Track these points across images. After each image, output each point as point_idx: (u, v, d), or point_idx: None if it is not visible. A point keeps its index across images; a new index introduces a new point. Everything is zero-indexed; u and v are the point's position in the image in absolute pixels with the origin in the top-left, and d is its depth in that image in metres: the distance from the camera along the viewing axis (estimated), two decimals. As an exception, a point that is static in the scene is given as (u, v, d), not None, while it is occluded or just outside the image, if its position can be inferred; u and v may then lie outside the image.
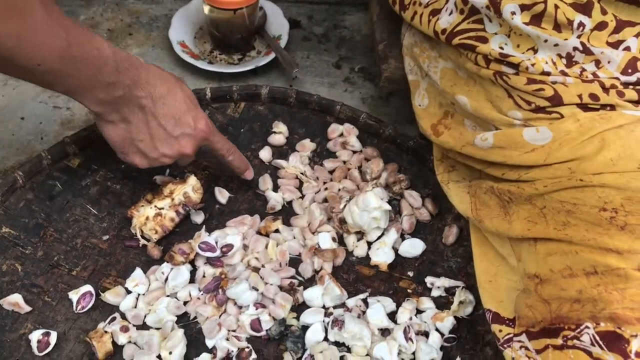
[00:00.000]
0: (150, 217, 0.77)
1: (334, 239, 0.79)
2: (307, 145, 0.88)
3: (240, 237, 0.77)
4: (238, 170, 0.79)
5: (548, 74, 0.61)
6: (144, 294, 0.74)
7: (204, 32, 1.04)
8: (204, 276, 0.75)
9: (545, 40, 0.61)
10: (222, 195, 0.83)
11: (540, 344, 0.59)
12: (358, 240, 0.80)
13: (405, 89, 0.81)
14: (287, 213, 0.82)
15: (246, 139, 0.88)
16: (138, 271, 0.75)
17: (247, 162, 0.80)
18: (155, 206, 0.78)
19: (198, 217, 0.81)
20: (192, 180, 0.80)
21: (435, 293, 0.75)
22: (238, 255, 0.76)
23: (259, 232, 0.79)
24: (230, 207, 0.83)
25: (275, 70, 1.01)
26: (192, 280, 0.75)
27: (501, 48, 0.63)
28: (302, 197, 0.84)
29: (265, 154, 0.87)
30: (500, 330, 0.63)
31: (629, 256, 0.55)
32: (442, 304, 0.74)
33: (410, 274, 0.77)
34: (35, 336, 0.69)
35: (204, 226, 0.78)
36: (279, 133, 0.88)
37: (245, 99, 0.90)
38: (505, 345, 0.62)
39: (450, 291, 0.75)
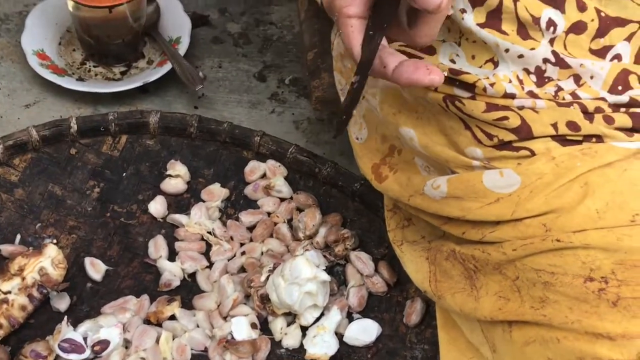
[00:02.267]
0: (-9, 305, 0.77)
1: (254, 326, 0.79)
2: (216, 193, 0.88)
3: (120, 329, 0.77)
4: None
5: (512, 96, 0.63)
6: (-19, 419, 0.73)
7: (72, 36, 1.04)
8: (67, 388, 0.75)
9: (507, 50, 0.63)
10: (95, 268, 0.83)
11: None
12: (288, 325, 0.81)
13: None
14: (188, 290, 0.83)
15: (130, 186, 0.89)
16: (-27, 385, 0.74)
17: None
18: (-1, 290, 0.78)
19: (61, 303, 0.80)
20: (52, 250, 0.80)
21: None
22: (116, 355, 0.76)
23: (147, 321, 0.80)
24: (107, 284, 0.83)
25: (173, 86, 1.03)
26: (51, 394, 0.74)
27: (452, 61, 0.65)
28: (210, 266, 0.84)
29: (157, 206, 0.88)
30: None
31: (624, 343, 0.57)
32: (405, 410, 0.76)
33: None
34: None
35: (67, 317, 0.78)
36: (177, 177, 0.89)
37: (128, 130, 0.90)
38: None
39: (414, 392, 0.76)
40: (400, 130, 0.70)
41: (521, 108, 0.63)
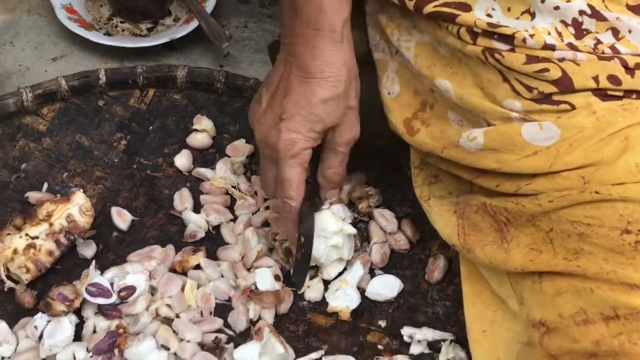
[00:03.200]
0: (20, 250, 0.78)
1: (277, 278, 0.81)
2: (241, 148, 0.90)
3: (146, 276, 0.78)
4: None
5: (552, 47, 0.64)
6: (9, 358, 0.74)
7: (99, -8, 1.06)
8: (94, 331, 0.76)
9: (542, 1, 0.64)
10: (121, 218, 0.85)
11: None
12: (311, 278, 0.82)
13: (375, 71, 0.84)
14: (212, 242, 0.84)
15: (157, 139, 0.90)
16: (2, 325, 0.76)
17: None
18: (27, 235, 0.79)
19: (87, 250, 0.82)
20: (80, 197, 0.81)
21: (415, 349, 0.78)
22: (142, 301, 0.78)
23: (172, 270, 0.81)
24: (133, 234, 0.84)
25: (199, 44, 1.04)
26: (77, 336, 0.76)
27: (489, 15, 0.66)
28: (234, 219, 0.86)
29: (182, 160, 0.89)
30: (496, 396, 0.66)
31: None
32: (424, 364, 0.77)
33: (382, 323, 0.80)
34: None
35: (94, 262, 0.79)
36: (203, 131, 0.90)
37: (156, 84, 0.92)
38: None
39: (435, 346, 0.77)
40: (435, 82, 0.71)
41: (562, 60, 0.64)
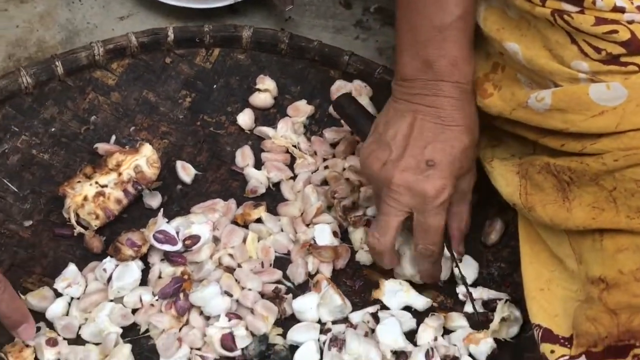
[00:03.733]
0: (90, 197, 0.81)
1: (335, 234, 0.83)
2: (302, 109, 0.92)
3: (210, 226, 0.81)
4: (6, 320, 0.73)
5: (622, 10, 0.65)
6: (78, 298, 0.78)
7: (165, -47, 1.08)
8: (160, 277, 0.80)
9: None
10: (186, 171, 0.87)
11: (604, 367, 0.63)
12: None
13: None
14: (272, 198, 0.87)
15: (220, 97, 0.93)
16: (71, 268, 0.79)
17: (25, 310, 0.74)
18: (97, 183, 0.82)
19: (153, 200, 0.85)
20: (147, 149, 0.84)
21: (469, 308, 0.80)
22: (206, 250, 0.80)
23: (234, 222, 0.84)
24: (196, 188, 0.87)
25: (261, 7, 1.05)
26: (143, 281, 0.79)
27: None
28: (294, 177, 0.88)
29: (245, 118, 0.91)
30: (552, 351, 0.68)
31: None
32: (479, 322, 0.79)
33: (440, 282, 0.82)
34: None
35: (162, 210, 0.82)
36: (265, 91, 0.92)
37: (221, 43, 0.94)
38: (558, 370, 0.67)
39: (489, 306, 0.79)
40: (504, 45, 0.72)
41: (631, 22, 0.65)
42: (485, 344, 0.76)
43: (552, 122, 0.69)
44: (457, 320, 0.79)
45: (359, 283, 0.82)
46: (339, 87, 0.93)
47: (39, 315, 0.77)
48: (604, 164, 0.66)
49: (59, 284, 0.78)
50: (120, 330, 0.76)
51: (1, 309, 0.72)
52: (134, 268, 0.78)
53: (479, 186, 0.84)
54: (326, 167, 0.88)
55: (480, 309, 0.79)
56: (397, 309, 0.79)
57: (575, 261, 0.70)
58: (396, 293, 0.80)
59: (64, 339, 0.76)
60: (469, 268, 0.81)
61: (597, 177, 0.67)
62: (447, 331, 0.79)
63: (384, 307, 0.80)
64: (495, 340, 0.77)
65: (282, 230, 0.84)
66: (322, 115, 0.93)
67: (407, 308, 0.80)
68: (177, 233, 0.80)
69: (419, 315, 0.79)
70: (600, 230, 0.66)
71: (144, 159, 0.84)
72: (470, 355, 0.77)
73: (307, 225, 0.84)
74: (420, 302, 0.79)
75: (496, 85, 0.75)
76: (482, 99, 0.75)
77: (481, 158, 0.80)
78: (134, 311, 0.77)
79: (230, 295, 0.77)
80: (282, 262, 0.82)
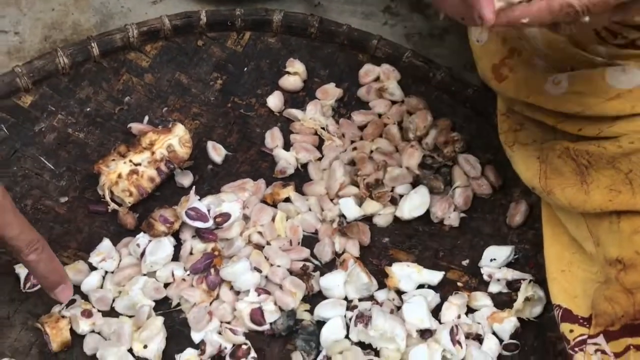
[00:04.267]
0: (124, 174, 0.84)
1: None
2: (330, 92, 0.94)
3: (240, 205, 0.83)
4: (44, 281, 0.74)
5: None
6: (112, 272, 0.81)
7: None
8: (191, 253, 0.82)
9: None
10: (217, 152, 0.90)
11: (619, 345, 0.65)
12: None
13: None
14: (301, 179, 0.89)
15: (251, 80, 0.95)
16: (106, 243, 0.82)
17: (62, 271, 0.75)
18: (131, 161, 0.85)
19: (185, 179, 0.88)
20: (180, 129, 0.87)
21: (493, 288, 0.81)
22: (237, 227, 0.83)
23: (263, 201, 0.86)
24: (227, 168, 0.90)
25: (292, -8, 1.07)
26: (175, 257, 0.82)
27: None
28: (322, 158, 0.90)
29: (275, 101, 0.94)
30: (572, 331, 0.70)
31: None
32: (503, 302, 0.81)
33: (463, 262, 0.84)
34: (-28, 318, 0.77)
35: (194, 188, 0.85)
36: (294, 74, 0.95)
37: (252, 27, 0.96)
38: (576, 349, 0.69)
39: (513, 286, 0.81)
40: (523, 29, 0.74)
41: None
42: (508, 322, 0.78)
43: (568, 106, 0.70)
44: (481, 300, 0.80)
45: (384, 262, 0.84)
46: (367, 71, 0.94)
47: (74, 288, 0.79)
48: (620, 146, 0.67)
49: (94, 258, 0.81)
50: (153, 304, 0.79)
51: (39, 270, 0.73)
52: (167, 244, 0.81)
53: (504, 169, 0.86)
54: (354, 149, 0.90)
55: (504, 289, 0.81)
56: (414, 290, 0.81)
57: (592, 244, 0.72)
58: (409, 275, 0.81)
59: (99, 311, 0.78)
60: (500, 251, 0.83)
61: (614, 160, 0.68)
62: (471, 310, 0.80)
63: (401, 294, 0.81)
64: (519, 319, 0.79)
65: (309, 210, 0.86)
66: (351, 98, 0.95)
67: (422, 287, 0.81)
68: (208, 211, 0.82)
69: (444, 295, 0.81)
70: (617, 212, 0.68)
71: (177, 139, 0.86)
72: (494, 333, 0.79)
73: (332, 201, 0.86)
74: (435, 277, 0.81)
75: (512, 69, 0.76)
76: (497, 83, 0.77)
77: (503, 142, 0.81)
78: (166, 285, 0.80)
79: (260, 271, 0.79)
80: (309, 240, 0.85)
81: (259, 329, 0.78)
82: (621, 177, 0.68)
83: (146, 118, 0.92)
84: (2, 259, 0.81)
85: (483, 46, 0.81)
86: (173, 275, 0.80)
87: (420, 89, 0.94)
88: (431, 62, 0.93)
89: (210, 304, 0.79)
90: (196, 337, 0.77)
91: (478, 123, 0.91)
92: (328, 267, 0.83)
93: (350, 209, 0.84)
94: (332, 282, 0.80)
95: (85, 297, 0.80)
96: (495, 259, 0.82)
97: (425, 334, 0.77)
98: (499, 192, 0.88)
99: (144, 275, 0.80)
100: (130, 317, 0.78)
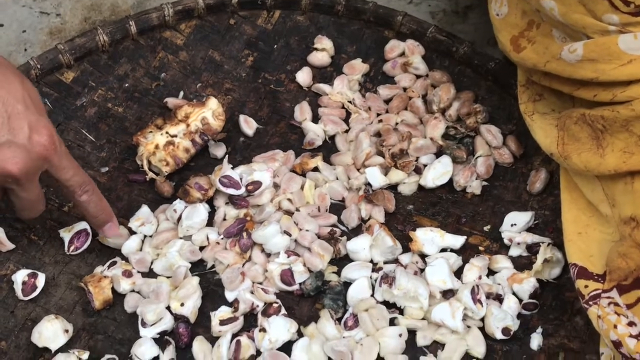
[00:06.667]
0: (161, 145, 0.89)
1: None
2: (357, 67, 0.99)
3: (270, 173, 0.88)
4: (94, 219, 0.82)
5: None
6: (151, 236, 0.86)
7: None
8: (224, 219, 0.87)
9: None
10: (248, 125, 0.95)
11: (631, 297, 0.69)
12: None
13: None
14: (328, 150, 0.94)
15: (280, 57, 1.00)
16: (144, 209, 0.88)
17: (110, 210, 0.83)
18: (167, 133, 0.90)
19: (218, 150, 0.93)
20: (213, 103, 0.92)
21: (514, 252, 0.86)
22: (267, 194, 0.88)
23: (292, 171, 0.91)
24: (258, 140, 0.95)
25: (320, -27, 1.12)
26: (209, 223, 0.87)
27: None
28: (348, 131, 0.95)
29: (303, 76, 0.98)
30: (586, 286, 0.74)
31: None
32: (522, 265, 0.85)
33: (485, 228, 0.88)
34: (20, 277, 0.82)
35: (227, 157, 0.90)
36: (322, 50, 0.99)
37: (281, 5, 1.01)
38: (590, 302, 0.72)
39: (533, 250, 0.85)
40: (541, 2, 0.78)
41: None
42: (528, 283, 0.82)
43: (583, 72, 0.74)
44: (502, 262, 0.84)
45: (409, 228, 0.88)
46: (393, 47, 0.99)
47: (115, 251, 0.86)
48: (633, 109, 0.71)
49: (133, 223, 0.86)
50: (189, 265, 0.84)
51: (90, 209, 0.81)
52: (202, 209, 0.86)
53: (525, 139, 0.90)
54: (380, 122, 0.95)
55: (524, 253, 0.85)
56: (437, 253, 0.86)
57: (608, 205, 0.75)
58: (432, 240, 0.85)
59: (138, 272, 0.84)
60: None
61: (627, 123, 0.72)
62: (491, 272, 0.85)
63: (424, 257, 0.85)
64: (538, 280, 0.83)
65: (337, 179, 0.91)
66: (377, 73, 0.99)
67: (444, 251, 0.86)
68: (241, 179, 0.87)
69: (466, 258, 0.85)
70: (631, 173, 0.72)
71: (210, 112, 0.92)
72: (513, 293, 0.83)
73: (359, 170, 0.90)
74: (458, 241, 0.85)
75: (530, 40, 0.80)
76: (516, 54, 0.81)
77: (523, 112, 0.85)
78: (201, 249, 0.85)
79: (289, 235, 0.84)
80: (337, 208, 0.89)
81: (289, 289, 0.83)
82: (634, 140, 0.72)
83: (181, 93, 0.97)
84: (48, 224, 0.87)
85: (503, 19, 0.85)
86: (208, 238, 0.85)
87: (444, 63, 0.98)
88: (454, 37, 0.97)
89: (243, 265, 0.84)
90: (230, 296, 0.82)
91: (500, 95, 0.95)
92: (354, 232, 0.88)
93: (376, 177, 0.88)
94: (359, 246, 0.85)
95: (125, 259, 0.85)
96: (515, 224, 0.86)
97: (448, 294, 0.81)
98: (520, 160, 0.92)
99: (181, 238, 0.85)
100: (167, 277, 0.84)
